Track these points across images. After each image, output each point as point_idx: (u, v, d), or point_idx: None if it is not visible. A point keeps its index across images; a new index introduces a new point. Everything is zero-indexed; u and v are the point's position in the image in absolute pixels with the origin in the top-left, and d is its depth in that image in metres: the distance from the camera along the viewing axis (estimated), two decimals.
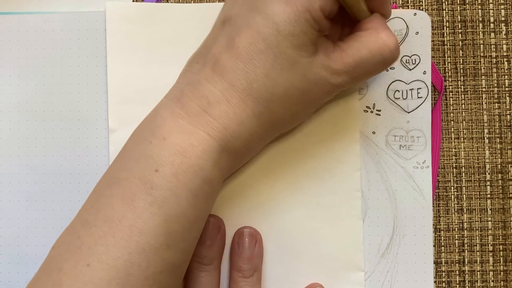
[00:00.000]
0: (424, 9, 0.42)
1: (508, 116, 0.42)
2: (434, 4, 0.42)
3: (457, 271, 0.41)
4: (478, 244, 0.41)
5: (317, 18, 0.34)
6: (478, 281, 0.41)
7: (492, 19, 0.42)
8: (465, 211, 0.41)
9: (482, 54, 0.42)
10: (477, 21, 0.42)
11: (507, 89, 0.42)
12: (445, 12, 0.42)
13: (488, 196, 0.42)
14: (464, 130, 0.42)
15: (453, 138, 0.42)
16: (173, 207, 0.32)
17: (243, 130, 0.35)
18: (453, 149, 0.42)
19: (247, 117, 0.34)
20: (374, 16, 0.36)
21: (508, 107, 0.42)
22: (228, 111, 0.34)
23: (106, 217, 0.32)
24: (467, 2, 0.42)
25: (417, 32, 0.41)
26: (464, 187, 0.42)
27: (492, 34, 0.42)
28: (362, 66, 0.35)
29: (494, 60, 0.42)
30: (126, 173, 0.33)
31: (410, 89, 0.41)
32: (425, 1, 0.42)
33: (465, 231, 0.41)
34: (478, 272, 0.41)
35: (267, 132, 0.36)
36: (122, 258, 0.32)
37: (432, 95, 0.42)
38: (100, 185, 0.35)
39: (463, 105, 0.42)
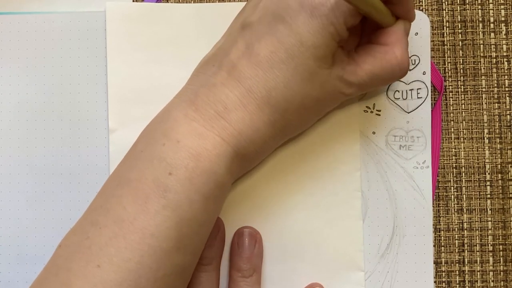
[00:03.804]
0: (424, 9, 0.42)
1: (508, 116, 0.42)
2: (434, 4, 0.42)
3: (457, 271, 0.41)
4: (478, 244, 0.41)
5: (340, 31, 0.34)
6: (478, 281, 0.41)
7: (492, 19, 0.42)
8: (465, 211, 0.41)
9: (482, 54, 0.42)
10: (477, 21, 0.42)
11: (507, 89, 0.42)
12: (445, 12, 0.42)
13: (488, 196, 0.42)
14: (464, 130, 0.42)
15: (453, 138, 0.42)
16: (186, 211, 0.32)
17: (257, 136, 0.35)
18: (453, 149, 0.42)
19: (263, 124, 0.35)
20: (396, 27, 0.36)
21: (508, 107, 0.42)
22: (245, 117, 0.34)
23: (117, 218, 0.32)
24: (467, 2, 0.42)
25: (417, 33, 0.41)
26: (464, 187, 0.42)
27: (492, 34, 0.42)
28: (373, 80, 0.36)
29: (494, 60, 0.42)
30: (137, 174, 0.33)
31: (410, 89, 0.41)
32: (425, 1, 0.42)
33: (465, 231, 0.41)
34: (478, 272, 0.41)
35: (279, 138, 0.36)
36: (134, 260, 0.31)
37: (432, 95, 0.42)
38: (109, 185, 0.34)
39: (463, 105, 0.42)
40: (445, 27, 0.42)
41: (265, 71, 0.34)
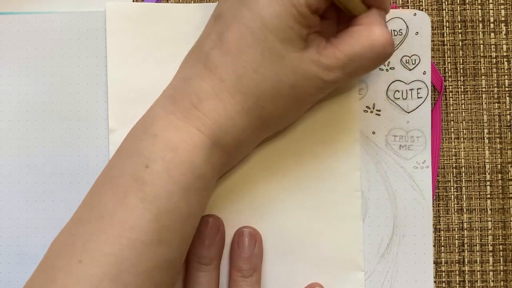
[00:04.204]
0: (424, 9, 0.42)
1: (508, 116, 0.42)
2: (434, 4, 0.42)
3: (457, 271, 0.41)
4: (478, 244, 0.41)
5: (303, 14, 0.33)
6: (478, 281, 0.41)
7: (492, 19, 0.42)
8: (465, 211, 0.41)
9: (482, 54, 0.42)
10: (477, 21, 0.42)
11: (507, 89, 0.42)
12: (445, 12, 0.42)
13: (488, 196, 0.42)
14: (464, 130, 0.42)
15: (453, 138, 0.42)
16: (165, 203, 0.33)
17: (233, 125, 0.35)
18: (453, 149, 0.42)
19: (236, 112, 0.34)
20: (371, 12, 0.36)
21: (508, 107, 0.42)
22: (218, 106, 0.34)
23: (98, 214, 0.33)
24: (467, 2, 0.42)
25: (417, 32, 0.41)
26: (464, 187, 0.42)
27: (492, 34, 0.42)
28: (355, 62, 0.35)
29: (494, 60, 0.42)
30: (118, 171, 0.34)
31: (410, 89, 0.41)
32: (425, 1, 0.42)
33: (465, 231, 0.41)
34: (478, 272, 0.41)
35: (258, 128, 0.36)
36: (113, 254, 0.32)
37: (432, 95, 0.42)
38: (95, 184, 0.35)
39: (463, 105, 0.42)
40: (445, 27, 0.42)
41: (234, 57, 0.34)
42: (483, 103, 0.42)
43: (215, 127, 0.34)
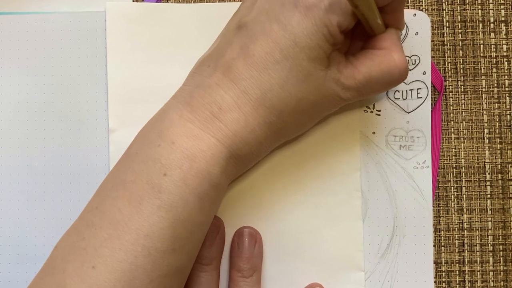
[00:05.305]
0: (424, 9, 0.42)
1: (508, 116, 0.42)
2: (434, 4, 0.42)
3: (457, 271, 0.41)
4: (478, 244, 0.41)
5: (333, 33, 0.34)
6: (478, 281, 0.41)
7: (492, 19, 0.42)
8: (465, 211, 0.41)
9: (482, 54, 0.42)
10: (477, 21, 0.42)
11: (507, 89, 0.42)
12: (445, 12, 0.42)
13: (488, 196, 0.42)
14: (464, 130, 0.42)
15: (453, 138, 0.42)
16: (181, 212, 0.32)
17: (253, 137, 0.35)
18: (453, 149, 0.42)
19: (258, 125, 0.34)
20: (389, 33, 0.36)
21: (508, 107, 0.42)
22: (240, 118, 0.34)
23: (112, 219, 0.32)
24: (467, 2, 0.42)
25: (417, 33, 0.41)
26: (464, 187, 0.42)
27: (492, 34, 0.42)
28: (371, 84, 0.36)
29: (494, 60, 0.42)
30: (133, 176, 0.33)
31: (410, 89, 0.41)
32: (425, 1, 0.42)
33: (465, 231, 0.41)
34: (478, 272, 0.41)
35: (275, 140, 0.36)
36: (128, 261, 0.32)
37: (432, 95, 0.42)
38: (105, 186, 0.34)
39: (463, 105, 0.42)
40: (445, 27, 0.42)
41: (260, 72, 0.34)
42: (483, 103, 0.42)
43: (235, 138, 0.34)
